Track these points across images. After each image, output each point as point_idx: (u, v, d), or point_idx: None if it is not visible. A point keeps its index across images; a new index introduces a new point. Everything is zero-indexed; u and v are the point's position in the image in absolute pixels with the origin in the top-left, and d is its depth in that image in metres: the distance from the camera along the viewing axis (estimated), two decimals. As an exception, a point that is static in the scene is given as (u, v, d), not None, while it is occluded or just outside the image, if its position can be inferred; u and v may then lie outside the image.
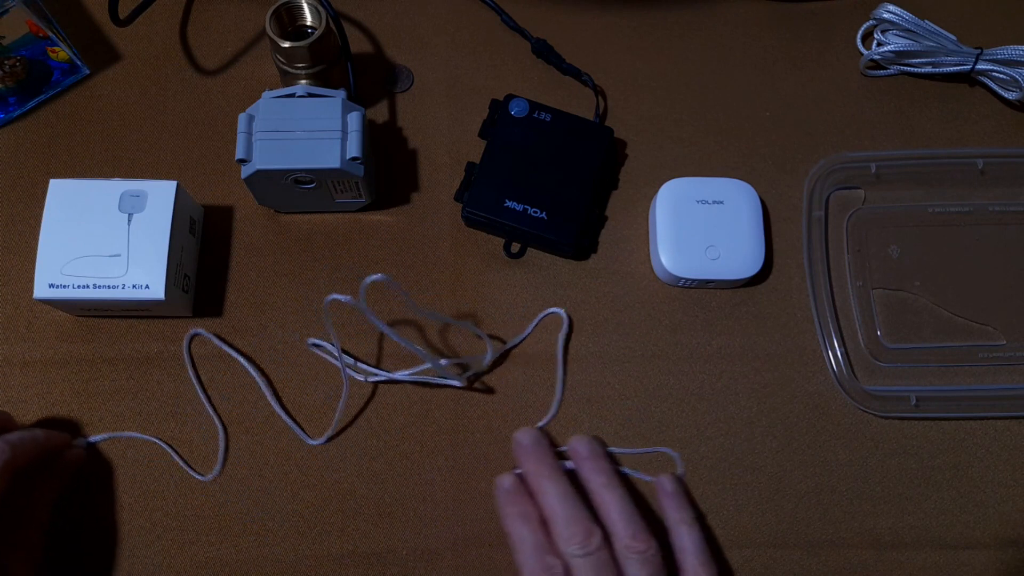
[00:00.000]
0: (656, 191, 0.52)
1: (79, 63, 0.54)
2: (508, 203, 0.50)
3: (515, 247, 0.52)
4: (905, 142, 0.55)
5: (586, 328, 0.51)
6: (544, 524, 0.43)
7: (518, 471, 0.46)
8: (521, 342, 0.50)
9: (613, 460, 0.47)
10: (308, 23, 0.50)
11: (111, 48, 0.56)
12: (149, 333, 0.50)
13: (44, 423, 0.48)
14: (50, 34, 0.51)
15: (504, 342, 0.50)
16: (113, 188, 0.47)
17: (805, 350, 0.51)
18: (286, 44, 0.48)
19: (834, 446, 0.49)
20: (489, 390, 0.49)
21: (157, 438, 0.48)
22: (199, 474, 0.47)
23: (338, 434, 0.48)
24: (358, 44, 0.57)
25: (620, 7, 0.58)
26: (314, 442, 0.48)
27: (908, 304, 0.52)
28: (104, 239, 0.46)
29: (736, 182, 0.52)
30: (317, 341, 0.49)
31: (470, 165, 0.52)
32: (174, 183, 0.47)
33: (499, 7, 0.57)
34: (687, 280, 0.50)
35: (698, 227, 0.51)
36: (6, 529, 0.42)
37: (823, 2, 0.59)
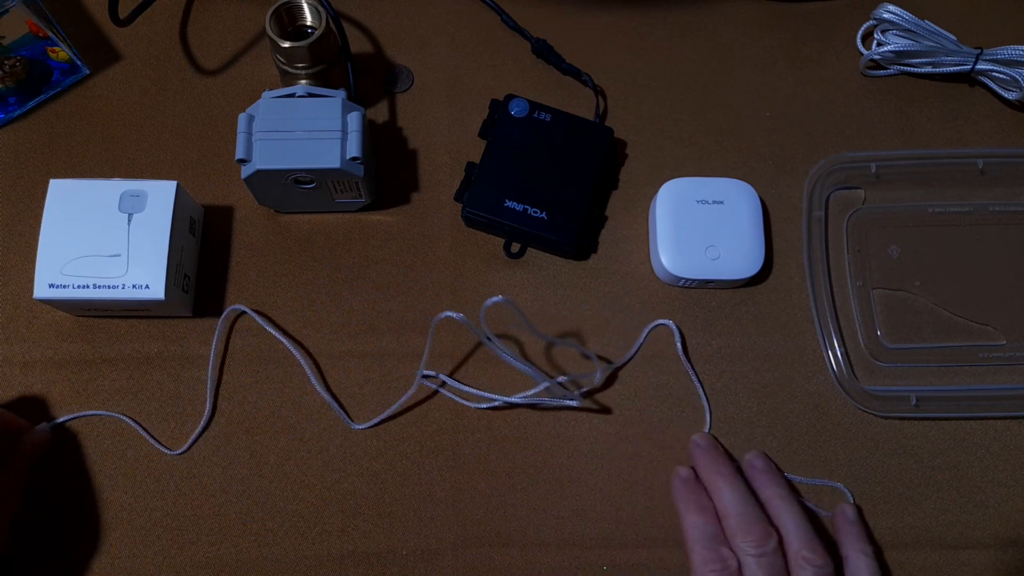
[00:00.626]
0: (656, 191, 0.52)
1: (79, 63, 0.54)
2: (508, 203, 0.50)
3: (515, 247, 0.52)
4: (905, 142, 0.55)
5: (586, 328, 0.51)
6: (719, 519, 0.44)
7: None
8: (630, 358, 0.50)
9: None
10: (308, 23, 0.50)
11: (111, 48, 0.56)
12: (149, 333, 0.50)
13: (7, 407, 0.48)
14: (50, 34, 0.51)
15: (610, 361, 0.50)
16: (113, 188, 0.47)
17: (805, 350, 0.51)
18: (286, 44, 0.48)
19: (834, 446, 0.49)
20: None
21: (123, 414, 0.48)
22: (166, 448, 0.47)
23: (384, 421, 0.49)
24: (358, 44, 0.57)
25: (620, 7, 0.58)
26: (358, 426, 0.48)
27: (908, 304, 0.52)
28: (104, 239, 0.46)
29: (736, 182, 0.52)
30: (428, 372, 0.49)
31: (470, 165, 0.52)
32: (174, 183, 0.47)
33: (499, 7, 0.57)
34: (687, 280, 0.50)
35: (698, 227, 0.51)
36: None
37: (823, 2, 0.59)
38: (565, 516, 0.47)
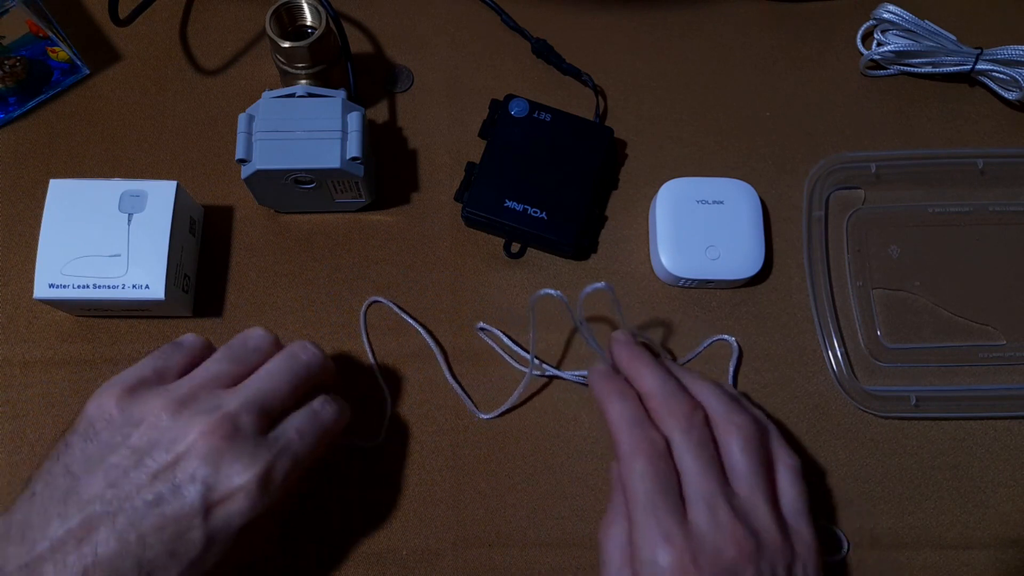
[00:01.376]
0: (656, 191, 0.52)
1: (79, 63, 0.54)
2: (508, 203, 0.50)
3: (515, 247, 0.52)
4: (905, 142, 0.55)
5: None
6: (643, 404, 0.42)
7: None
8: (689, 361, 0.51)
9: None
10: (308, 23, 0.50)
11: (111, 48, 0.56)
12: (149, 333, 0.50)
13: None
14: (50, 34, 0.51)
15: (675, 358, 0.50)
16: (113, 188, 0.47)
17: (805, 350, 0.51)
18: (286, 44, 0.48)
19: (834, 446, 0.49)
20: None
21: None
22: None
23: (509, 411, 0.49)
24: (358, 44, 0.57)
25: (620, 7, 0.58)
26: (485, 416, 0.49)
27: (908, 304, 0.52)
28: (104, 239, 0.46)
29: (736, 182, 0.52)
30: (485, 326, 0.49)
31: (470, 165, 0.52)
32: (174, 183, 0.47)
33: (499, 7, 0.57)
34: (687, 280, 0.50)
35: (698, 227, 0.51)
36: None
37: (823, 2, 0.59)
38: (565, 516, 0.47)
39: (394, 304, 0.50)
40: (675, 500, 0.39)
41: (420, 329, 0.49)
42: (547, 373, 0.49)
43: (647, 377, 0.43)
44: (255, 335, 0.42)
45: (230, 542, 0.36)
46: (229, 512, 0.36)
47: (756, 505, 0.39)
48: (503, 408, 0.48)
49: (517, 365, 0.49)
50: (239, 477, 0.36)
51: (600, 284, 0.40)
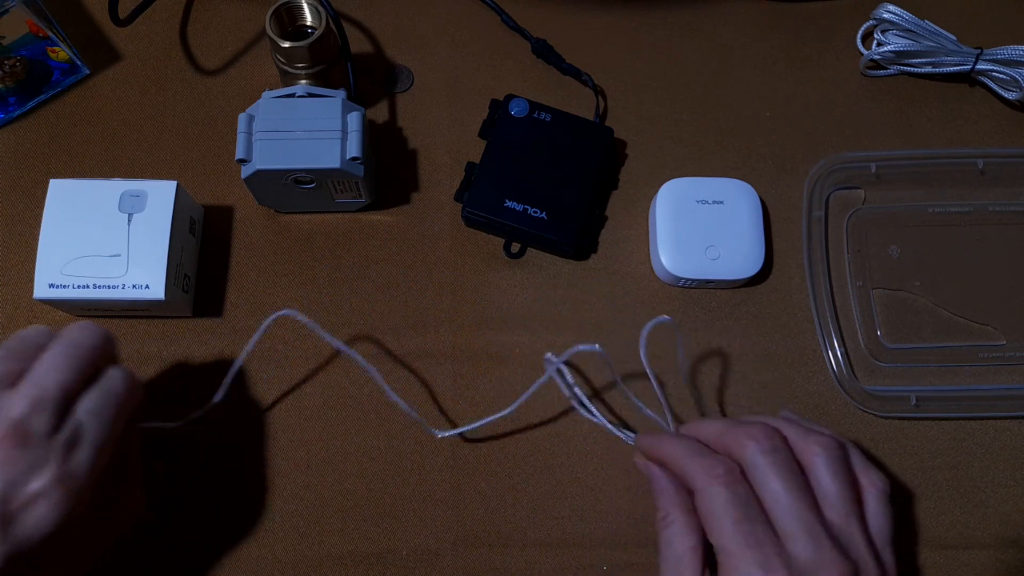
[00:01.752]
0: (656, 191, 0.52)
1: (79, 63, 0.54)
2: (508, 203, 0.50)
3: (515, 247, 0.52)
4: (905, 142, 0.55)
5: (586, 328, 0.51)
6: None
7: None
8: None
9: None
10: (308, 23, 0.50)
11: (111, 48, 0.56)
12: (149, 333, 0.50)
13: None
14: (50, 34, 0.51)
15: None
16: (113, 188, 0.47)
17: (805, 350, 0.51)
18: (286, 44, 0.48)
19: (834, 446, 0.49)
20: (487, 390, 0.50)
21: None
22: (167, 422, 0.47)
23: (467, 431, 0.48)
24: (358, 44, 0.57)
25: (620, 7, 0.58)
26: (441, 434, 0.47)
27: (908, 304, 0.52)
28: (104, 239, 0.46)
29: (736, 182, 0.52)
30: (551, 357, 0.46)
31: (470, 165, 0.52)
32: (174, 183, 0.47)
33: (499, 7, 0.57)
34: (687, 280, 0.50)
35: (698, 227, 0.51)
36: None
37: (823, 2, 0.59)
38: (565, 516, 0.47)
39: (305, 317, 0.45)
40: (766, 528, 0.36)
41: (330, 339, 0.46)
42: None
43: (707, 426, 0.41)
44: (30, 330, 0.39)
45: (39, 551, 0.34)
46: (33, 520, 0.34)
47: (852, 535, 0.37)
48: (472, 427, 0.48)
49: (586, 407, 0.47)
50: (37, 482, 0.34)
51: (664, 317, 0.39)
